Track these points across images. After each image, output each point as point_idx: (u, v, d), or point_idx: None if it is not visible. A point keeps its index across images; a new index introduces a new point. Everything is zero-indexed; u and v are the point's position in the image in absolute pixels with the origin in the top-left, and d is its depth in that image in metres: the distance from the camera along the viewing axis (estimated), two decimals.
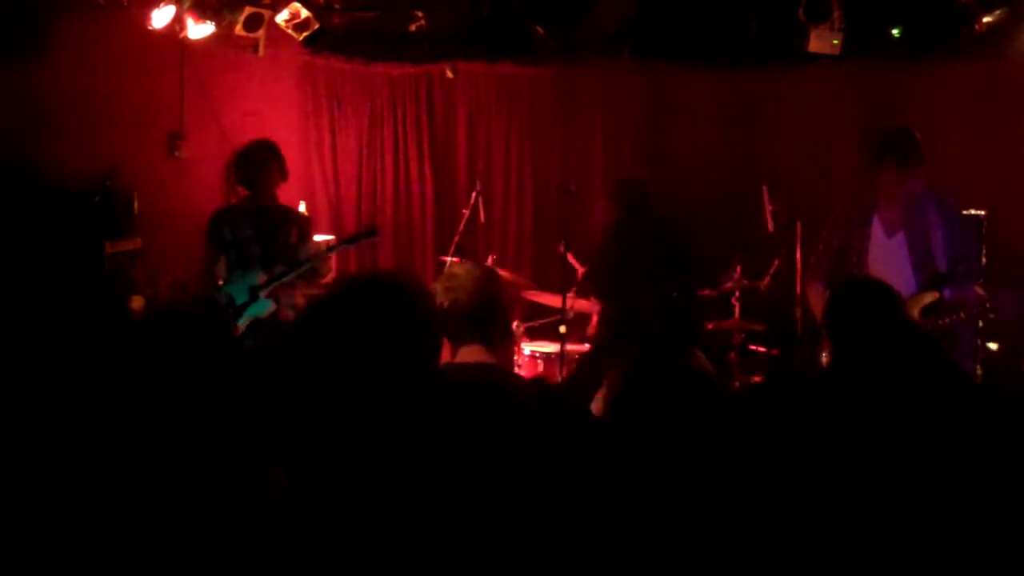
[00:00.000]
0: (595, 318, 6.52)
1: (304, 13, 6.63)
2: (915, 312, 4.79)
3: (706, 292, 6.39)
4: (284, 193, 7.68)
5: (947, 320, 4.78)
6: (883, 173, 5.00)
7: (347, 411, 2.06)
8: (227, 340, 2.69)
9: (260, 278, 5.36)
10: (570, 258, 6.39)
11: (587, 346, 6.58)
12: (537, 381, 5.27)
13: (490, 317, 3.25)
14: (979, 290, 4.89)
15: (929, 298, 4.84)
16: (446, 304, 3.17)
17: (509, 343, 3.99)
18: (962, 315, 4.83)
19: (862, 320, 3.16)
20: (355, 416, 2.06)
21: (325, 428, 2.06)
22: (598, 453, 2.35)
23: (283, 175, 5.69)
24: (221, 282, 5.49)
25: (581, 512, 2.19)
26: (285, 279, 5.37)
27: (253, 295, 5.32)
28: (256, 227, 5.57)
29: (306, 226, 5.84)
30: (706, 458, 2.22)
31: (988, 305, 4.89)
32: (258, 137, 5.82)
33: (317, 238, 7.31)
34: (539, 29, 6.76)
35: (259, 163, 5.61)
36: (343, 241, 6.01)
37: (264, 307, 5.38)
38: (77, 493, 1.87)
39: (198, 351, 2.55)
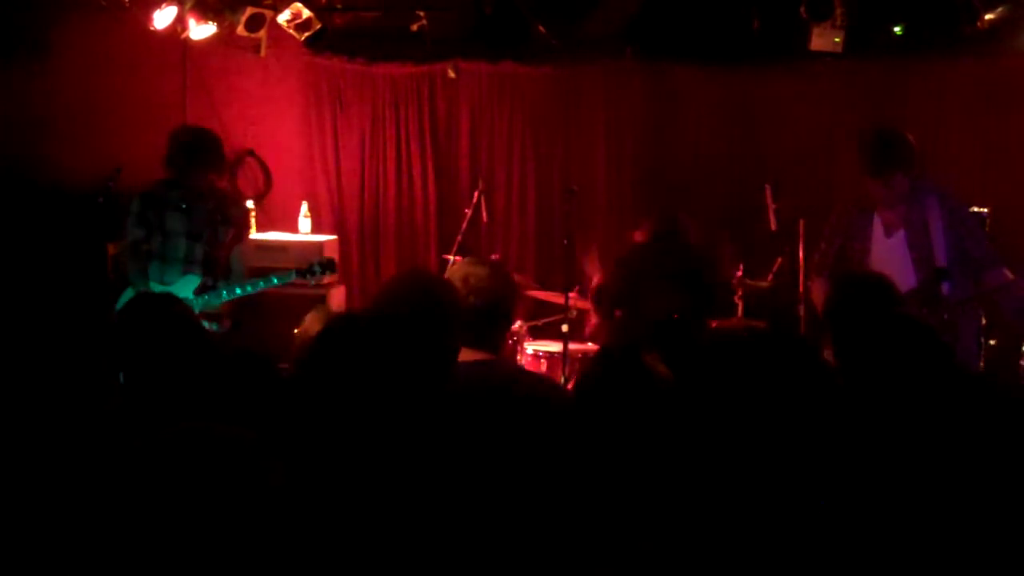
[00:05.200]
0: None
1: (306, 13, 6.63)
2: (915, 308, 4.76)
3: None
4: (287, 191, 7.69)
5: (944, 315, 4.74)
6: (866, 181, 4.98)
7: (370, 410, 2.08)
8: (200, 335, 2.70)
9: (205, 283, 5.36)
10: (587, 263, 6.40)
11: (589, 345, 6.58)
12: (544, 378, 5.28)
13: (499, 321, 3.25)
14: (1008, 274, 4.86)
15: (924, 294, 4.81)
16: (479, 302, 3.16)
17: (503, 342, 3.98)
18: (960, 311, 4.81)
19: (862, 315, 3.16)
20: (378, 415, 2.07)
21: (348, 426, 2.07)
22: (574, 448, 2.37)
23: (220, 167, 5.64)
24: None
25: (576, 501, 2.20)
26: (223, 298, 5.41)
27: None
28: (188, 221, 5.46)
29: (243, 228, 5.80)
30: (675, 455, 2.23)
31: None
32: (199, 127, 5.76)
33: (319, 238, 7.33)
34: (541, 28, 6.77)
35: (194, 147, 5.46)
36: (298, 274, 5.80)
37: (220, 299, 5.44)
38: (76, 493, 1.87)
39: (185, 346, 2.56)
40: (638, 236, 6.35)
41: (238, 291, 5.44)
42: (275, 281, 5.59)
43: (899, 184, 4.88)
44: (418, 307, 2.82)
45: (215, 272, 5.50)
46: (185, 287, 5.32)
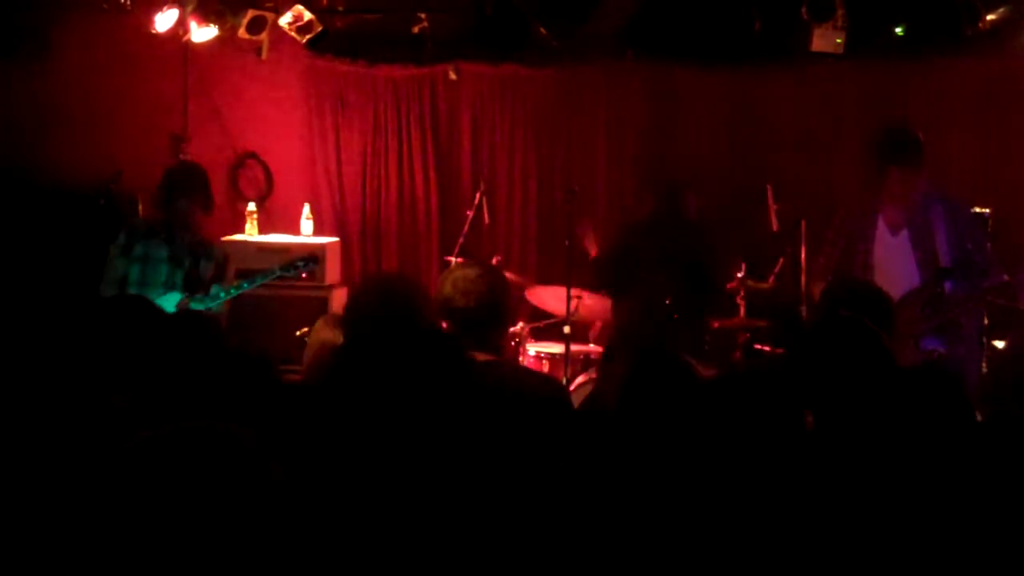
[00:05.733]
0: (597, 325, 6.54)
1: (307, 15, 6.63)
2: (916, 307, 4.77)
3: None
4: (288, 193, 7.69)
5: (945, 317, 4.76)
6: (891, 175, 5.02)
7: (396, 413, 2.08)
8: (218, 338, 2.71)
9: (181, 303, 5.29)
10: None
11: (591, 346, 6.59)
12: (550, 379, 5.29)
13: (498, 320, 3.26)
14: (1005, 277, 4.91)
15: (928, 293, 4.83)
16: (469, 304, 3.16)
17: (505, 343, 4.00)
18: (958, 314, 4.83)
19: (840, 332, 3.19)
20: (404, 419, 2.08)
21: (374, 430, 2.07)
22: (605, 448, 2.37)
23: (206, 204, 5.58)
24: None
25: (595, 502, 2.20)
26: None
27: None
28: (171, 249, 5.46)
29: (224, 269, 5.75)
30: (701, 456, 2.23)
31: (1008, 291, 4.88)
32: (190, 162, 5.76)
33: (321, 240, 7.33)
34: (542, 30, 6.76)
35: (181, 182, 5.47)
36: (281, 270, 5.75)
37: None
38: (73, 492, 1.87)
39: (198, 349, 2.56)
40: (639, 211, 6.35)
41: (222, 295, 5.42)
42: (258, 281, 5.57)
43: (923, 179, 5.01)
44: (400, 311, 2.82)
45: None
46: (166, 304, 5.30)
